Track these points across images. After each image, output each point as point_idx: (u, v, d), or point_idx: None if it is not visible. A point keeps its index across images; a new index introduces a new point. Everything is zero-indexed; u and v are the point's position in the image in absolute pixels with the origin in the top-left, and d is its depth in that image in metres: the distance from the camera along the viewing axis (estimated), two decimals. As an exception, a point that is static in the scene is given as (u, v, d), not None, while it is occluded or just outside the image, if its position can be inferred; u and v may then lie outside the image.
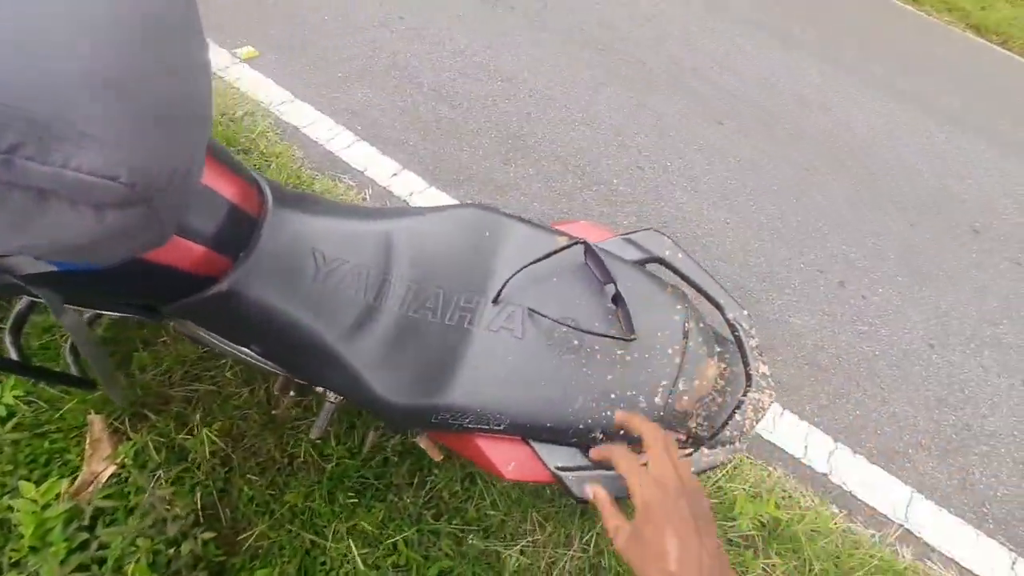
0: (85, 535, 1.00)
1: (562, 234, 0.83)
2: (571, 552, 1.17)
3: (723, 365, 0.81)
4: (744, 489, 1.33)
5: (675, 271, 0.86)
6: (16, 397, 1.12)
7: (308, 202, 0.78)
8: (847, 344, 1.81)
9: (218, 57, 2.11)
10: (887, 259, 2.12)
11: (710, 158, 2.33)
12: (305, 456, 1.20)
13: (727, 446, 0.74)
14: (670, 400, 0.76)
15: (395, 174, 1.89)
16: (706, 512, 0.51)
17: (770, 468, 1.42)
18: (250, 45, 2.19)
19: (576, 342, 0.77)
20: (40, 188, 0.41)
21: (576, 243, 0.80)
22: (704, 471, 0.75)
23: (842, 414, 1.62)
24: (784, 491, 1.38)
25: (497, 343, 0.76)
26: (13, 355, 0.89)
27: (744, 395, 0.78)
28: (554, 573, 1.16)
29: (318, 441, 1.18)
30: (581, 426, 0.74)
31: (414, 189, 1.87)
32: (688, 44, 2.93)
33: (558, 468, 0.73)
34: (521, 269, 0.77)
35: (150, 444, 1.13)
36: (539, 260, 0.78)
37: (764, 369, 0.80)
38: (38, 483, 1.05)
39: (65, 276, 0.60)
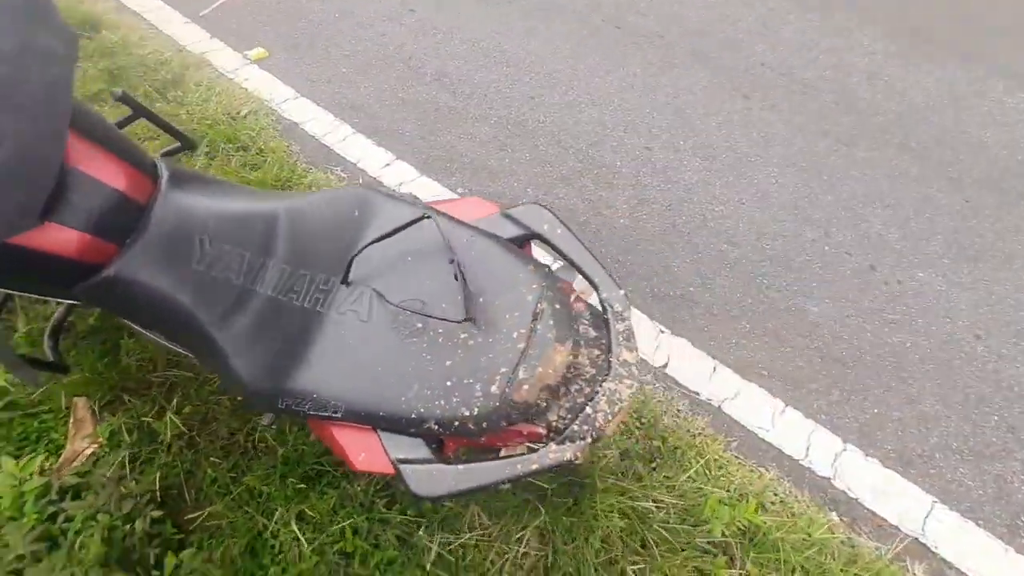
0: (55, 508, 1.07)
1: (437, 212, 0.78)
2: (522, 548, 1.13)
3: (596, 351, 0.73)
4: (727, 491, 1.23)
5: (553, 247, 0.78)
6: (7, 380, 1.23)
7: (205, 185, 0.78)
8: (872, 335, 1.63)
9: (229, 60, 2.21)
10: (932, 240, 1.88)
11: (729, 135, 2.16)
12: (269, 441, 1.23)
13: (577, 442, 0.67)
14: (507, 389, 0.69)
15: (387, 164, 1.90)
16: None
17: (761, 469, 1.31)
18: (260, 46, 2.27)
19: (420, 325, 0.73)
20: None
21: (422, 218, 0.75)
22: (549, 469, 0.67)
23: (857, 412, 1.46)
24: (775, 495, 1.26)
25: (343, 326, 0.73)
26: None
27: (600, 385, 0.70)
28: (505, 566, 1.12)
29: (272, 427, 1.20)
30: (414, 416, 0.69)
31: (404, 179, 1.86)
32: (718, 14, 2.74)
33: (399, 460, 0.69)
34: (363, 248, 0.73)
35: (123, 426, 1.19)
36: (382, 238, 0.74)
37: (628, 356, 0.71)
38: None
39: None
